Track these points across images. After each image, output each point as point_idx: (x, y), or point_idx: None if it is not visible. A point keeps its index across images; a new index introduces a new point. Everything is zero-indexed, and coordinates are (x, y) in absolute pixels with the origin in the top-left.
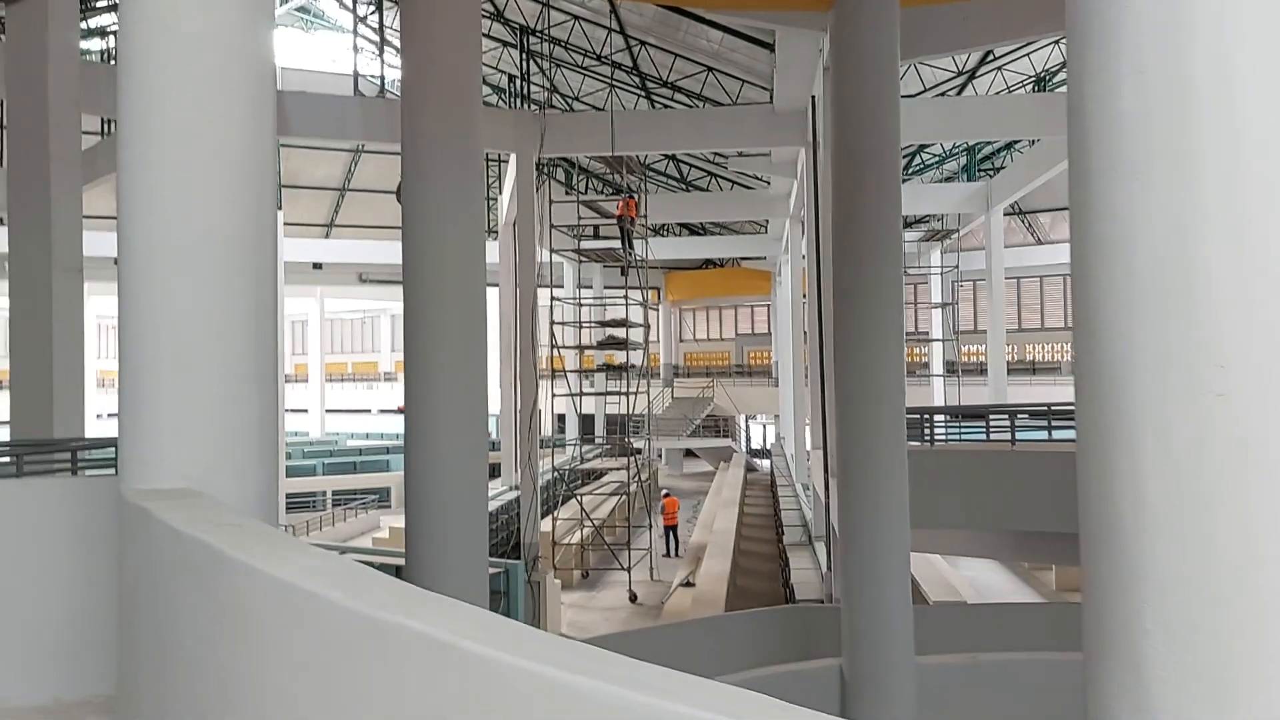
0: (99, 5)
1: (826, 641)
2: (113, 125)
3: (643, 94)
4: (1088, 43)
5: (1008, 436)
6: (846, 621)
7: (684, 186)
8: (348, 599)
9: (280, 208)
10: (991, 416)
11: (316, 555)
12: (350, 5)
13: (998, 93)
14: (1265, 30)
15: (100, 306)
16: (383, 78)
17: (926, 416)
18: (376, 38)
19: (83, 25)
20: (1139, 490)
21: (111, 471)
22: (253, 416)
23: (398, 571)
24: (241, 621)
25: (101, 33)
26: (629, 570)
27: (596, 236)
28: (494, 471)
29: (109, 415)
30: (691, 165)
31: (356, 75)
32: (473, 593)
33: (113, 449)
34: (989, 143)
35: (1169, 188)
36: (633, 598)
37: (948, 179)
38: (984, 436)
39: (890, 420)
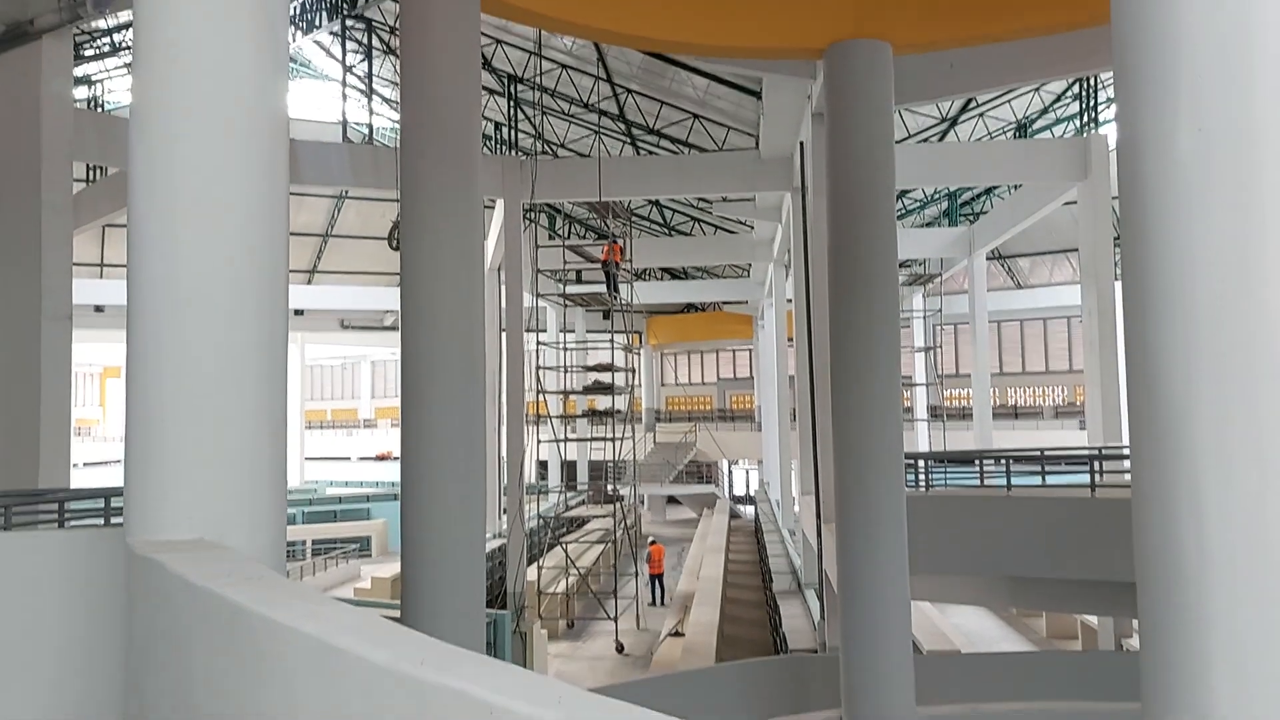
0: (87, 54)
1: (823, 691)
2: (97, 172)
3: (628, 140)
4: (1140, 85)
5: (1001, 481)
6: (845, 671)
7: (667, 231)
8: (385, 657)
9: None
10: (984, 461)
11: (346, 610)
12: (339, 55)
13: (979, 139)
14: None
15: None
16: (370, 125)
17: (935, 462)
18: (364, 85)
19: None
20: (1202, 536)
21: (97, 522)
22: (264, 466)
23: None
24: (267, 679)
25: (88, 81)
26: (615, 620)
27: (579, 281)
28: None
29: (85, 465)
30: (675, 210)
31: (345, 122)
32: (469, 645)
33: (98, 500)
34: (970, 188)
35: (1231, 229)
36: (620, 648)
37: (929, 224)
38: (976, 481)
39: (888, 463)
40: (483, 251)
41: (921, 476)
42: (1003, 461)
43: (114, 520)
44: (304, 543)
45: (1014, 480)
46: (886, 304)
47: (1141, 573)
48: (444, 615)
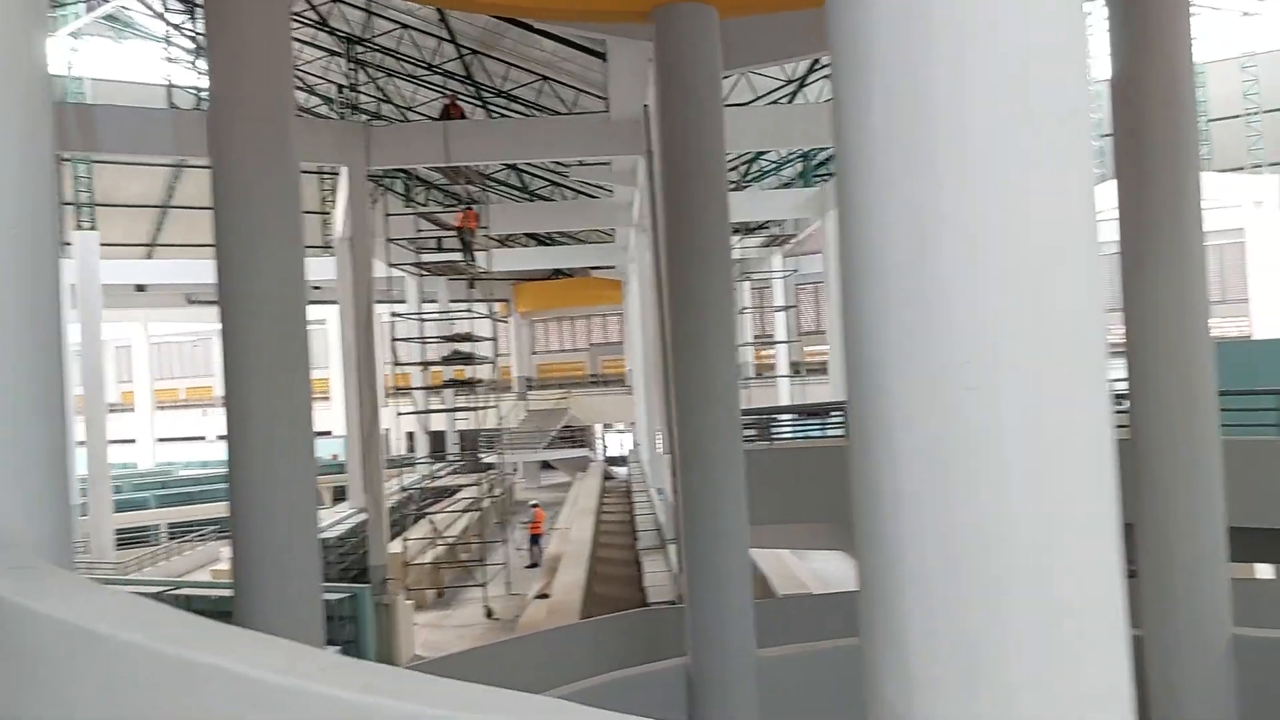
0: None
1: (675, 642)
2: None
3: (479, 104)
4: (846, 62)
5: (843, 432)
6: (690, 619)
7: (528, 196)
8: (142, 638)
9: (94, 228)
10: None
11: (111, 596)
12: (161, 13)
13: (828, 100)
14: (993, 58)
15: None
16: (199, 88)
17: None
18: (191, 46)
19: None
20: (897, 481)
21: None
22: (40, 450)
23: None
24: (24, 668)
25: None
26: (484, 586)
27: (439, 249)
28: (341, 495)
29: None
30: (534, 175)
31: (170, 86)
32: (307, 620)
33: None
34: (824, 148)
35: (911, 195)
36: (489, 613)
37: (786, 184)
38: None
39: (726, 420)
40: (300, 221)
41: (771, 431)
42: (845, 412)
43: None
44: (158, 527)
45: None
46: (720, 270)
47: (855, 516)
48: (282, 596)
